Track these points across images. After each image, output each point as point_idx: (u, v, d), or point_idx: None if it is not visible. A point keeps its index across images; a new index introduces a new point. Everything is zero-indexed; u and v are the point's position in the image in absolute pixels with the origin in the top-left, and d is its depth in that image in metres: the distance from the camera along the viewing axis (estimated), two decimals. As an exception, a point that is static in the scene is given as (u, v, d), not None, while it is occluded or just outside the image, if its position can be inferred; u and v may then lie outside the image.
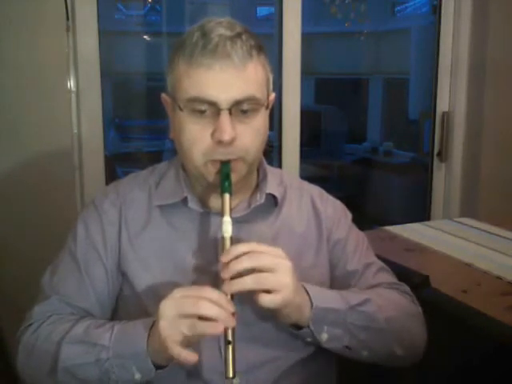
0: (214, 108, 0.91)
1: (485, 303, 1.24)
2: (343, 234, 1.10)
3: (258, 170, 1.07)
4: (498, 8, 2.29)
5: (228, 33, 0.91)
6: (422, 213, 2.65)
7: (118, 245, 1.01)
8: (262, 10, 5.59)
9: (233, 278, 0.85)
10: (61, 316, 0.99)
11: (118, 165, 3.42)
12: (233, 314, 0.83)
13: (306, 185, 1.15)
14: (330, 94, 5.86)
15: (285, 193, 1.08)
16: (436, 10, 2.51)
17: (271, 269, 0.86)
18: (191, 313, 0.82)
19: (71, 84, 1.88)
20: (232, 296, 0.85)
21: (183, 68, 0.92)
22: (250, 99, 0.92)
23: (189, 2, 3.84)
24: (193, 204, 1.00)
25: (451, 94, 2.49)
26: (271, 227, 1.04)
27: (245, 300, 0.88)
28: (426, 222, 2.05)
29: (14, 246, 1.79)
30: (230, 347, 0.82)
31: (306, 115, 2.40)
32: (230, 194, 0.92)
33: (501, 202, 2.28)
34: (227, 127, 0.90)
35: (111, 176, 2.12)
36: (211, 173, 0.95)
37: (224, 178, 0.93)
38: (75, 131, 1.91)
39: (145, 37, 3.56)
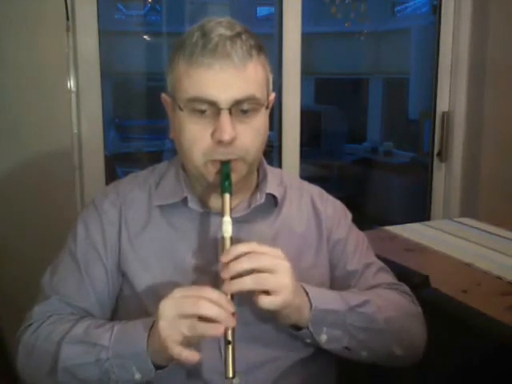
0: (214, 108, 0.91)
1: (485, 303, 1.24)
2: (343, 234, 1.10)
3: (258, 170, 1.07)
4: (498, 8, 2.29)
5: (228, 33, 0.91)
6: (421, 213, 2.65)
7: (117, 245, 1.01)
8: (262, 10, 5.59)
9: (233, 278, 0.85)
10: (61, 316, 0.99)
11: (118, 165, 3.42)
12: (233, 314, 0.83)
13: (306, 185, 1.15)
14: (330, 94, 5.86)
15: (285, 193, 1.08)
16: (436, 10, 2.51)
17: (271, 270, 0.86)
18: (191, 313, 0.82)
19: (71, 84, 1.88)
20: (232, 296, 0.85)
21: (183, 68, 0.92)
22: (250, 99, 0.92)
23: (189, 1, 3.84)
24: (193, 204, 1.00)
25: (451, 94, 2.49)
26: (271, 227, 1.04)
27: (244, 300, 0.88)
28: (426, 222, 2.05)
29: (14, 245, 1.79)
30: (230, 347, 0.82)
31: (306, 115, 2.40)
32: (230, 194, 0.92)
33: (501, 202, 2.28)
34: (227, 127, 0.90)
35: (111, 176, 2.11)
36: (211, 173, 0.95)
37: (224, 178, 0.93)
38: (75, 131, 1.91)
39: (145, 37, 3.55)
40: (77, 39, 1.86)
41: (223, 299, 0.83)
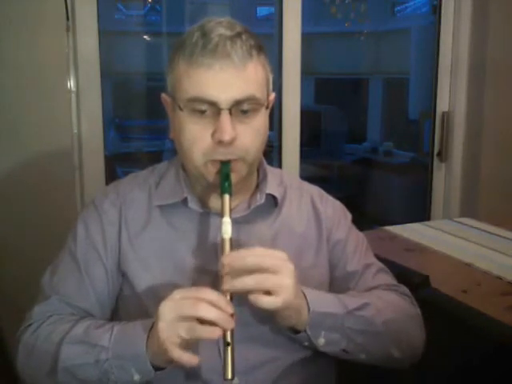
0: (214, 108, 0.90)
1: (485, 303, 1.24)
2: (343, 235, 1.10)
3: (258, 171, 1.07)
4: (498, 8, 2.29)
5: (228, 33, 0.91)
6: (422, 213, 2.65)
7: (117, 245, 1.01)
8: (262, 10, 5.59)
9: (233, 277, 0.85)
10: (61, 316, 0.99)
11: (118, 165, 3.42)
12: (232, 316, 0.83)
13: (306, 185, 1.15)
14: (330, 94, 5.86)
15: (285, 193, 1.08)
16: (436, 10, 2.51)
17: (274, 270, 0.85)
18: (190, 315, 0.82)
19: (71, 84, 1.88)
20: (231, 297, 0.85)
21: (183, 68, 0.92)
22: (250, 99, 0.92)
23: (189, 1, 3.84)
24: (193, 204, 1.00)
25: (451, 94, 2.49)
26: (271, 227, 1.04)
27: (244, 300, 0.88)
28: (426, 222, 2.05)
29: (14, 245, 1.79)
30: (229, 349, 0.82)
31: (306, 115, 2.40)
32: (230, 195, 0.92)
33: (501, 202, 2.28)
34: (227, 127, 0.90)
35: (111, 176, 2.11)
36: (211, 173, 0.95)
37: (224, 179, 0.93)
38: (75, 131, 1.91)
39: (145, 37, 3.55)
40: (77, 39, 1.86)
41: (222, 301, 0.83)
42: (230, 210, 0.91)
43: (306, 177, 1.30)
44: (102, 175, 1.98)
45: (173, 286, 0.86)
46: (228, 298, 0.84)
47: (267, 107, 0.97)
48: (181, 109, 0.93)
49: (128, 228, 1.02)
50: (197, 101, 0.91)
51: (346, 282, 1.08)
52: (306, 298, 0.92)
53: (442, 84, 2.49)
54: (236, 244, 0.90)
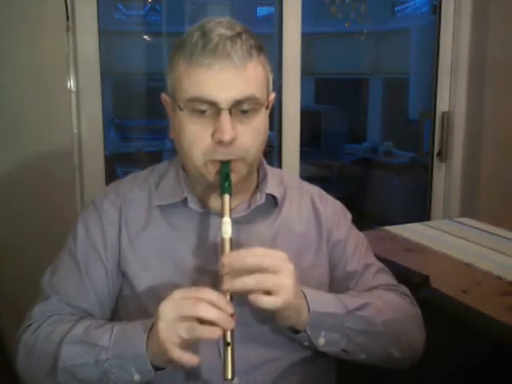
0: (214, 108, 0.90)
1: (485, 303, 1.24)
2: (343, 235, 1.10)
3: (258, 171, 1.07)
4: (498, 8, 2.29)
5: (228, 33, 0.91)
6: (421, 213, 2.65)
7: (118, 245, 1.01)
8: (262, 10, 5.59)
9: (233, 277, 0.85)
10: (61, 316, 0.99)
11: (118, 165, 3.42)
12: (232, 316, 0.83)
13: (306, 185, 1.15)
14: (330, 94, 5.86)
15: (285, 193, 1.08)
16: (436, 9, 2.51)
17: (274, 270, 0.85)
18: (190, 315, 0.82)
19: (71, 84, 1.88)
20: (231, 296, 0.85)
21: (183, 68, 0.92)
22: (250, 99, 0.92)
23: (189, 1, 3.83)
24: (193, 204, 1.00)
25: (451, 94, 2.49)
26: (271, 227, 1.04)
27: (244, 300, 0.88)
28: (426, 222, 2.05)
29: (14, 245, 1.79)
30: (229, 349, 0.82)
31: (306, 115, 2.40)
32: (230, 195, 0.92)
33: (501, 202, 2.28)
34: (227, 127, 0.90)
35: (111, 176, 2.11)
36: (211, 173, 0.95)
37: (224, 179, 0.93)
38: (75, 131, 1.91)
39: (145, 37, 3.55)
40: (77, 39, 1.86)
41: (222, 301, 0.83)
42: (230, 210, 0.91)
43: (306, 177, 1.30)
44: (102, 175, 1.97)
45: (173, 286, 0.86)
46: (228, 298, 0.84)
47: (267, 107, 0.97)
48: (181, 109, 0.93)
49: (128, 228, 1.02)
50: (197, 101, 0.91)
51: (346, 282, 1.08)
52: (305, 298, 0.92)
53: (442, 84, 2.49)
54: (236, 244, 0.90)
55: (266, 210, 1.04)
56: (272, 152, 2.34)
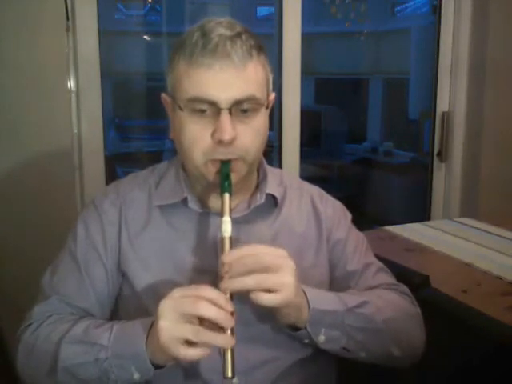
0: (214, 108, 0.91)
1: (485, 303, 1.24)
2: (343, 235, 1.10)
3: (258, 170, 1.07)
4: (498, 8, 2.29)
5: (228, 32, 0.91)
6: (421, 213, 2.65)
7: (117, 245, 1.01)
8: (262, 10, 5.59)
9: (233, 277, 0.85)
10: (61, 316, 0.99)
11: (118, 165, 3.42)
12: (232, 314, 0.83)
13: (306, 185, 1.15)
14: (330, 94, 5.86)
15: (285, 193, 1.08)
16: (436, 9, 2.51)
17: (274, 269, 0.85)
18: (190, 313, 0.82)
19: (71, 84, 1.88)
20: (231, 295, 0.85)
21: (183, 68, 0.92)
22: (250, 99, 0.92)
23: (189, 1, 3.84)
24: (193, 204, 1.00)
25: (451, 94, 2.49)
26: (271, 227, 1.04)
27: (244, 300, 0.88)
28: (426, 222, 2.05)
29: (14, 245, 1.79)
30: (229, 347, 0.82)
31: (306, 115, 2.40)
32: (230, 194, 0.92)
33: (501, 202, 2.28)
34: (227, 127, 0.90)
35: (111, 176, 2.11)
36: (211, 172, 0.95)
37: (224, 178, 0.93)
38: (75, 131, 1.91)
39: (145, 37, 3.55)
40: (77, 39, 1.86)
41: (222, 299, 0.83)
42: (230, 210, 0.91)
43: (306, 177, 1.30)
44: (102, 175, 1.97)
45: (173, 286, 0.86)
46: (228, 296, 0.84)
47: (267, 107, 0.97)
48: (181, 109, 0.93)
49: (128, 228, 1.02)
50: (197, 101, 0.91)
51: (346, 281, 1.08)
52: (306, 296, 0.92)
53: (442, 84, 2.49)
54: (236, 243, 0.89)
55: (265, 209, 1.04)
56: (272, 152, 2.34)
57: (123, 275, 1.01)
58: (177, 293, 0.84)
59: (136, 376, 0.88)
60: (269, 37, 2.43)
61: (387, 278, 1.12)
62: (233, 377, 0.82)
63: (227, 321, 0.82)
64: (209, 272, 0.96)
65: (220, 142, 0.91)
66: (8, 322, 1.32)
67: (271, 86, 0.99)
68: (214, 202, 1.00)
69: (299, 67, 2.21)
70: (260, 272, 0.85)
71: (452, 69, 2.47)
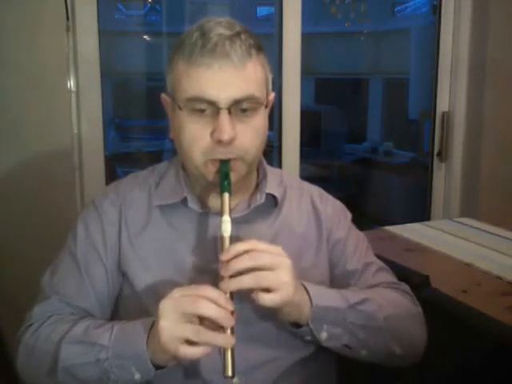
0: (214, 107, 0.91)
1: (485, 303, 1.24)
2: (343, 234, 1.10)
3: (257, 170, 1.07)
4: (498, 8, 2.29)
5: (227, 32, 0.91)
6: (421, 213, 2.65)
7: (118, 245, 1.01)
8: (262, 10, 5.59)
9: (232, 276, 0.85)
10: (61, 316, 0.99)
11: (118, 165, 3.42)
12: (232, 313, 0.83)
13: (306, 185, 1.15)
14: (330, 94, 5.86)
15: (285, 193, 1.08)
16: (436, 9, 2.51)
17: (271, 267, 0.86)
18: (190, 312, 0.82)
19: (71, 84, 1.88)
20: (231, 295, 0.85)
21: (182, 68, 0.92)
22: (250, 98, 0.92)
23: (189, 1, 3.84)
24: (193, 204, 1.00)
25: (451, 94, 2.49)
26: (271, 227, 1.04)
27: (244, 299, 0.88)
28: (426, 222, 2.05)
29: (13, 246, 1.79)
30: (230, 347, 0.82)
31: (306, 115, 2.40)
32: (230, 194, 0.92)
33: (501, 202, 2.28)
34: (226, 127, 0.90)
35: (111, 176, 2.11)
36: (211, 172, 0.95)
37: (223, 178, 0.93)
38: (75, 131, 1.91)
39: (145, 37, 3.55)
40: (77, 39, 1.86)
41: (222, 298, 0.83)
42: (230, 209, 0.91)
43: (306, 177, 1.30)
44: (102, 175, 1.97)
45: (173, 286, 0.86)
46: (228, 295, 0.84)
47: (266, 106, 0.97)
48: (180, 108, 0.93)
49: (128, 228, 1.02)
50: (196, 100, 0.91)
51: (346, 280, 1.08)
52: (308, 292, 0.92)
53: (442, 84, 2.49)
54: (235, 242, 0.89)
55: (265, 209, 1.04)
56: (272, 152, 2.34)
57: (123, 275, 1.01)
58: (177, 292, 0.84)
59: (137, 376, 0.88)
60: (269, 37, 2.43)
61: (388, 276, 1.12)
62: (233, 376, 0.82)
63: (227, 320, 0.82)
64: (209, 272, 0.96)
65: (219, 142, 0.91)
66: (8, 322, 1.32)
67: (270, 86, 0.99)
68: (213, 201, 1.00)
69: (299, 67, 2.21)
70: (258, 270, 0.85)
71: (452, 69, 2.47)
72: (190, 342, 0.82)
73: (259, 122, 0.95)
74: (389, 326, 0.99)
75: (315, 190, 1.14)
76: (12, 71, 1.76)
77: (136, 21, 3.82)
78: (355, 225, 1.16)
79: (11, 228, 1.80)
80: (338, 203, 1.15)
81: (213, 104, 0.90)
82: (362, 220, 1.40)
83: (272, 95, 1.00)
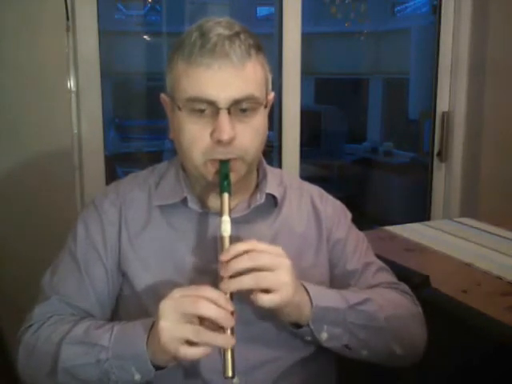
0: (213, 107, 0.91)
1: (485, 303, 1.24)
2: (343, 234, 1.10)
3: (257, 170, 1.07)
4: (498, 8, 2.29)
5: (226, 32, 0.91)
6: (421, 213, 2.65)
7: (118, 245, 1.01)
8: (262, 10, 5.59)
9: (232, 276, 0.85)
10: (61, 317, 0.99)
11: (118, 165, 3.42)
12: (232, 314, 0.83)
13: (306, 185, 1.15)
14: (330, 94, 5.86)
15: (285, 193, 1.08)
16: (436, 9, 2.51)
17: (271, 268, 0.86)
18: (190, 312, 0.82)
19: (71, 84, 1.88)
20: (231, 295, 0.85)
21: (182, 68, 0.92)
22: (249, 98, 0.92)
23: (189, 1, 3.83)
24: (192, 204, 1.00)
25: (451, 94, 2.49)
26: (271, 227, 1.04)
27: (244, 299, 0.88)
28: (426, 222, 2.05)
29: (13, 246, 1.79)
30: (230, 347, 0.82)
31: (306, 115, 2.40)
32: (229, 194, 0.92)
33: (501, 202, 2.28)
34: (226, 127, 0.90)
35: (111, 176, 2.11)
36: (210, 172, 0.95)
37: (223, 178, 0.93)
38: (75, 131, 1.91)
39: (145, 37, 3.55)
40: (77, 39, 1.86)
41: (222, 298, 0.83)
42: (230, 209, 0.91)
43: (306, 177, 1.30)
44: (102, 175, 1.98)
45: (173, 286, 0.86)
46: (228, 296, 0.84)
47: (266, 106, 0.97)
48: (180, 109, 0.93)
49: (128, 228, 1.02)
50: (196, 100, 0.91)
51: (346, 280, 1.08)
52: (308, 293, 0.92)
53: (442, 84, 2.49)
54: (235, 242, 0.89)
55: (265, 209, 1.04)
56: (272, 152, 2.34)
57: (123, 275, 1.01)
58: (177, 293, 0.84)
59: (137, 377, 0.88)
60: (269, 37, 2.43)
61: (388, 277, 1.12)
62: (233, 377, 0.82)
63: (227, 320, 0.82)
64: (209, 272, 0.96)
65: (219, 142, 0.91)
66: (8, 322, 1.32)
67: (270, 86, 0.99)
68: (213, 201, 1.00)
69: (299, 67, 2.21)
70: (257, 270, 0.85)
71: (452, 69, 2.47)
72: (190, 343, 0.82)
73: (259, 121, 0.95)
74: (389, 327, 0.99)
75: (315, 190, 1.14)
76: (12, 71, 1.76)
77: (136, 21, 3.82)
78: (355, 225, 1.16)
79: (11, 228, 1.80)
80: (338, 203, 1.15)
81: (212, 104, 0.90)
82: (362, 220, 1.40)
83: (272, 95, 1.00)
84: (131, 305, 1.00)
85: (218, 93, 0.89)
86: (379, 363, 1.04)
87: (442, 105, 2.51)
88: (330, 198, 1.15)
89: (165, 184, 1.05)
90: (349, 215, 1.15)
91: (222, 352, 0.83)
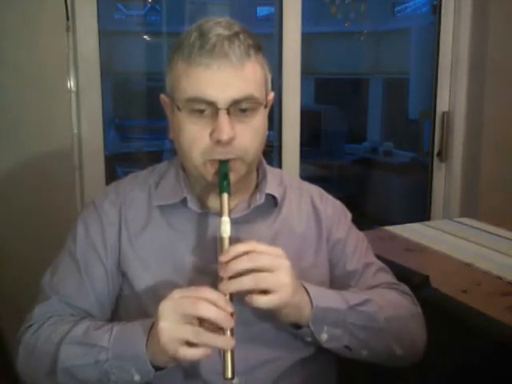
0: (213, 108, 0.90)
1: (485, 303, 1.24)
2: (343, 234, 1.10)
3: (257, 170, 1.07)
4: (498, 8, 2.29)
5: (226, 32, 0.91)
6: (421, 213, 2.65)
7: (117, 245, 1.01)
8: (262, 10, 5.58)
9: (231, 277, 0.85)
10: (61, 317, 0.99)
11: (118, 165, 3.42)
12: (231, 315, 0.83)
13: (306, 185, 1.15)
14: (330, 94, 5.86)
15: (284, 193, 1.08)
16: (436, 9, 2.51)
17: (270, 269, 0.86)
18: (190, 313, 0.82)
19: (71, 84, 1.88)
20: (231, 296, 0.85)
21: (181, 68, 0.92)
22: (249, 98, 0.92)
23: (189, 1, 3.83)
24: (192, 204, 1.00)
25: (451, 94, 2.49)
26: (271, 227, 1.04)
27: (244, 300, 0.88)
28: (426, 222, 2.05)
29: (13, 246, 1.79)
30: (229, 348, 0.82)
31: (306, 115, 2.40)
32: (229, 194, 0.92)
33: (501, 202, 2.28)
34: (225, 127, 0.90)
35: (111, 176, 2.11)
36: (210, 172, 0.95)
37: (222, 178, 0.93)
38: (75, 131, 1.91)
39: (145, 37, 3.55)
40: (77, 39, 1.86)
41: (222, 300, 0.83)
42: (229, 210, 0.91)
43: (306, 177, 1.30)
44: (102, 175, 1.97)
45: (172, 286, 0.86)
46: (227, 297, 0.84)
47: (266, 106, 0.97)
48: (179, 109, 0.93)
49: (128, 228, 1.02)
50: (195, 101, 0.91)
51: (346, 281, 1.08)
52: (308, 294, 0.92)
53: (442, 84, 2.49)
54: (235, 243, 0.89)
55: (265, 209, 1.04)
56: (272, 152, 2.34)
57: (123, 275, 1.01)
58: (177, 294, 0.84)
59: (136, 378, 0.88)
60: (269, 37, 2.43)
61: (388, 277, 1.12)
62: (233, 378, 0.82)
63: (227, 321, 0.82)
64: (208, 272, 0.96)
65: (218, 142, 0.91)
66: (8, 322, 1.32)
67: (270, 86, 0.99)
68: (213, 202, 1.00)
69: (299, 67, 2.21)
70: (257, 271, 0.85)
71: (452, 69, 2.47)
72: (189, 344, 0.82)
73: (258, 122, 0.95)
74: (390, 327, 0.99)
75: (315, 190, 1.14)
76: (12, 71, 1.76)
77: (136, 21, 3.82)
78: (355, 225, 1.16)
79: (11, 228, 1.80)
80: (338, 203, 1.15)
81: (212, 104, 0.90)
82: (362, 220, 1.40)
83: (271, 95, 1.00)
84: (131, 305, 1.00)
85: (217, 93, 0.89)
86: (379, 363, 1.04)
87: (442, 105, 2.51)
88: (330, 198, 1.15)
89: (165, 184, 1.05)
90: (349, 215, 1.15)
91: (221, 353, 0.83)
